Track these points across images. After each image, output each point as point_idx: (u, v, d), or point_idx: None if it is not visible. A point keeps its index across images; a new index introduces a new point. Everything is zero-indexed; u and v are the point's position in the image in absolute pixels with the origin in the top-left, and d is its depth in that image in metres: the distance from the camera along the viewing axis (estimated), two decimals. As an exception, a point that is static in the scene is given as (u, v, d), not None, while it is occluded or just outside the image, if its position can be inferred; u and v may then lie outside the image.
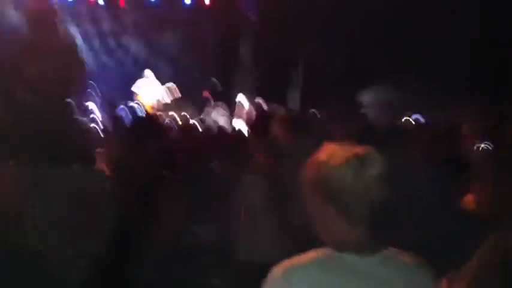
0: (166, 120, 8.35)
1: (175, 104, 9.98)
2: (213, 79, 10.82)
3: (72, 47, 3.75)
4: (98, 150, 3.42)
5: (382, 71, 9.55)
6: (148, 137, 3.38)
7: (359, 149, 1.53)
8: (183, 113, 9.38)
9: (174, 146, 4.19)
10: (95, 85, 8.47)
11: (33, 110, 2.65)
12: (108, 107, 8.89)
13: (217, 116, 9.50)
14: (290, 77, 11.05)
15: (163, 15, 11.01)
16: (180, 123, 8.53)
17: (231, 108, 9.86)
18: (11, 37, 3.27)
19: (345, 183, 1.49)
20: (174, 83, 10.23)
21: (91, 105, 8.34)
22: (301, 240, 1.74)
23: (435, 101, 8.33)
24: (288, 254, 1.57)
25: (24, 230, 2.29)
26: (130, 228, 2.48)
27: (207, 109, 9.93)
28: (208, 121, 9.17)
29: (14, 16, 3.39)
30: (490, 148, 4.45)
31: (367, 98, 9.87)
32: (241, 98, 9.95)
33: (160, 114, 8.73)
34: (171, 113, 9.39)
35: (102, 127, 6.96)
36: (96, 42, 10.73)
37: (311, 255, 1.54)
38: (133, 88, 10.00)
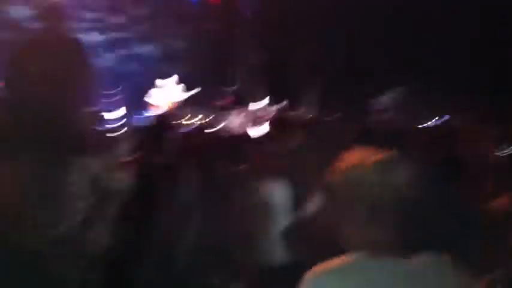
0: (183, 122, 8.34)
1: (190, 107, 9.97)
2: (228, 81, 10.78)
3: (78, 49, 3.74)
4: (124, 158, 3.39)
5: (401, 75, 9.41)
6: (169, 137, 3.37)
7: (387, 154, 1.54)
8: (199, 115, 9.38)
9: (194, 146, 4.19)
10: (113, 91, 8.43)
11: (33, 110, 2.66)
12: (129, 113, 8.87)
13: (231, 118, 9.51)
14: (301, 78, 10.99)
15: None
16: (198, 123, 8.52)
17: (242, 109, 9.85)
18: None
19: (374, 188, 1.49)
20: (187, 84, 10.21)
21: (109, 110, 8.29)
22: (307, 241, 1.74)
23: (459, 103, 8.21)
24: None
25: (24, 230, 2.29)
26: (131, 228, 2.48)
27: (220, 111, 9.92)
28: (223, 122, 9.19)
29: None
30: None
31: (386, 100, 9.76)
32: (254, 102, 9.94)
33: (176, 116, 8.69)
34: (187, 115, 9.38)
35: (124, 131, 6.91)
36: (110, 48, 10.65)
37: (344, 259, 1.52)
38: (147, 98, 9.97)
